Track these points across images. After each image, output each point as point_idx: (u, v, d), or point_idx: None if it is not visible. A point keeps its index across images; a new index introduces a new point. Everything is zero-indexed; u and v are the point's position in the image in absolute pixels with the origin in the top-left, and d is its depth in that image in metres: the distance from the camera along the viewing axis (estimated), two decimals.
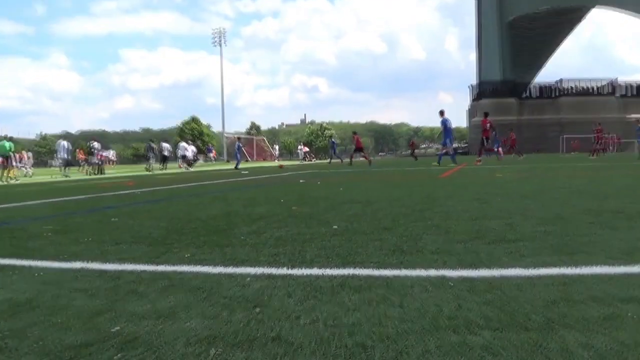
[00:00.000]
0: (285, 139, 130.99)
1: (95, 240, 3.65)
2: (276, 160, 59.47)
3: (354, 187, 8.78)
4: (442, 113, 18.58)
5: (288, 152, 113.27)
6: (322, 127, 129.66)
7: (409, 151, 36.50)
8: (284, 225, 4.17)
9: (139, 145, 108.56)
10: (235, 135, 61.81)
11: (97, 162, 24.96)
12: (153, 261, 3.02)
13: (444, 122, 18.78)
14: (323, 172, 17.84)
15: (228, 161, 48.34)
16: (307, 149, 52.26)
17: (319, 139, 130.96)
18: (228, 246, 3.35)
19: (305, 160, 46.68)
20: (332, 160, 33.81)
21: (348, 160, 29.79)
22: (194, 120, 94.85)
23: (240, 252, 3.15)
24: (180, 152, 32.06)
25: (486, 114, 21.69)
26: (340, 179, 11.90)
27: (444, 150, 19.05)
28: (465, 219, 4.14)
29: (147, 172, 24.88)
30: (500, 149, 24.41)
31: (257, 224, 4.30)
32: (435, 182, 9.35)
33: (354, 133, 27.90)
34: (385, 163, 26.53)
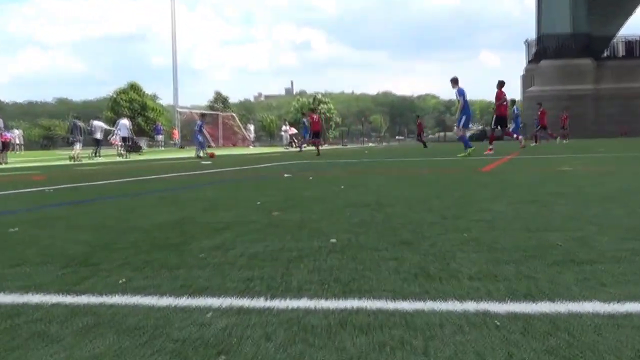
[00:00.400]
0: (264, 115, 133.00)
1: None
2: (251, 147, 60.28)
3: (360, 184, 8.93)
4: (455, 82, 19.70)
5: (268, 134, 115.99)
6: (315, 100, 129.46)
7: (417, 136, 36.94)
8: (260, 237, 4.23)
9: (53, 124, 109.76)
10: (194, 111, 62.11)
11: None
12: (71, 290, 3.03)
13: (462, 93, 19.81)
14: (316, 162, 18.22)
15: (182, 147, 49.41)
16: (294, 130, 53.10)
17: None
18: (181, 268, 3.38)
19: (292, 146, 47.10)
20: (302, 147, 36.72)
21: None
22: (134, 88, 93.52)
23: (198, 277, 3.19)
24: (120, 133, 33.12)
25: (508, 96, 24.32)
26: (341, 173, 12.03)
27: (461, 133, 20.37)
28: (516, 230, 4.23)
29: (72, 162, 24.56)
30: (519, 135, 24.96)
31: (222, 236, 4.36)
32: (474, 177, 9.56)
33: (418, 117, 34.73)
34: (406, 151, 26.74)
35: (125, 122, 34.16)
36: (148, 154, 32.66)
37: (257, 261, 3.54)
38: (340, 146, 64.02)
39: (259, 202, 6.56)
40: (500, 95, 22.53)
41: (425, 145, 34.49)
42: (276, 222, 5.03)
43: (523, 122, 30.80)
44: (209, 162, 19.59)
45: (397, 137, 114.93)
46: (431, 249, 3.72)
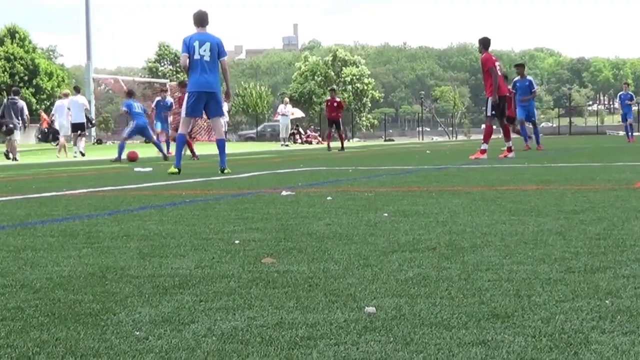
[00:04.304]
0: (246, 85, 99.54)
1: None
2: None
3: (416, 209, 7.26)
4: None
5: (253, 119, 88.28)
6: (336, 58, 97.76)
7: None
8: (241, 303, 3.31)
9: None
10: (123, 78, 47.41)
11: None
12: None
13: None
14: (338, 171, 15.46)
15: (98, 142, 43.13)
16: (298, 112, 45.51)
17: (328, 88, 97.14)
18: (102, 355, 2.55)
19: (295, 141, 41.58)
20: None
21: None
22: (14, 35, 70.78)
23: None
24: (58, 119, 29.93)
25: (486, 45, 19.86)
26: (381, 189, 10.03)
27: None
28: None
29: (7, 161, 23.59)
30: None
31: (173, 301, 3.39)
32: (625, 198, 7.79)
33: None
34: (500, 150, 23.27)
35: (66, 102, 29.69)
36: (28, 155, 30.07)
37: (234, 345, 2.61)
38: (381, 141, 58.61)
39: (237, 241, 5.23)
40: (487, 62, 18.84)
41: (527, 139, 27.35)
42: (268, 276, 3.91)
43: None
44: (148, 170, 16.89)
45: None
46: (545, 326, 2.78)
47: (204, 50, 14.64)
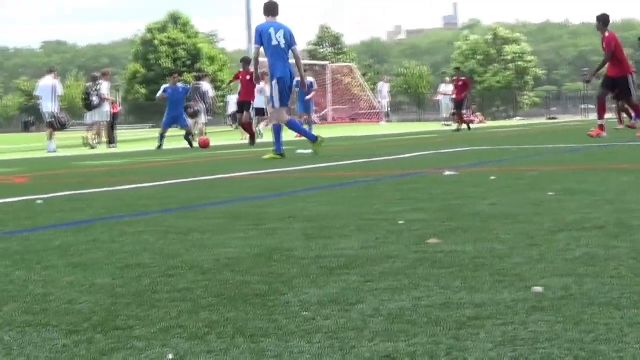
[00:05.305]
0: (406, 65, 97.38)
1: None
2: (383, 122, 47.02)
3: (583, 187, 7.09)
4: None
5: (414, 100, 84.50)
6: (496, 37, 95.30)
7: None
8: (406, 284, 3.22)
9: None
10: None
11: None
12: None
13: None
14: (502, 150, 15.18)
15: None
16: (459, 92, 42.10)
17: (490, 66, 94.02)
18: (270, 335, 2.55)
19: (459, 122, 36.79)
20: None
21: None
22: (177, 21, 70.70)
23: (300, 352, 2.36)
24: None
25: None
26: (546, 168, 9.78)
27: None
28: None
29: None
30: None
31: (339, 282, 3.33)
32: None
33: None
34: None
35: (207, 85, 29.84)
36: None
37: (401, 325, 2.60)
38: (544, 120, 57.27)
39: (401, 222, 5.20)
40: (614, 43, 18.12)
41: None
42: (433, 256, 3.88)
43: None
44: (308, 152, 16.54)
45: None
46: None
47: (279, 38, 14.48)
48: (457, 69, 36.43)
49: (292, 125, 15.63)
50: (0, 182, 11.85)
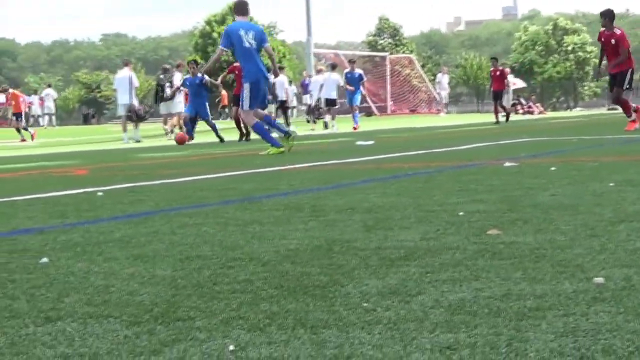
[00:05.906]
0: (465, 56, 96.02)
1: None
2: (443, 114, 46.27)
3: None
4: None
5: (473, 90, 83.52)
6: (556, 27, 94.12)
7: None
8: (467, 275, 3.20)
9: (98, 79, 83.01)
10: (342, 53, 44.83)
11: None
12: None
13: None
14: (559, 140, 15.08)
15: (317, 120, 36.96)
16: (519, 82, 44.39)
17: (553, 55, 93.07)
18: (330, 326, 2.57)
19: (516, 112, 39.68)
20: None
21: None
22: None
23: (360, 343, 2.36)
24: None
25: None
26: (607, 159, 9.74)
27: None
28: None
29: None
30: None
31: (399, 273, 3.31)
32: None
33: None
34: None
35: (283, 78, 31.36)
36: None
37: (461, 316, 2.61)
38: (604, 110, 55.98)
39: (461, 213, 5.18)
40: (625, 39, 17.75)
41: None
42: (493, 247, 3.85)
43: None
44: (368, 143, 16.67)
45: None
46: None
47: (250, 40, 14.14)
48: (494, 58, 35.33)
49: (257, 129, 14.96)
50: (61, 174, 11.89)
